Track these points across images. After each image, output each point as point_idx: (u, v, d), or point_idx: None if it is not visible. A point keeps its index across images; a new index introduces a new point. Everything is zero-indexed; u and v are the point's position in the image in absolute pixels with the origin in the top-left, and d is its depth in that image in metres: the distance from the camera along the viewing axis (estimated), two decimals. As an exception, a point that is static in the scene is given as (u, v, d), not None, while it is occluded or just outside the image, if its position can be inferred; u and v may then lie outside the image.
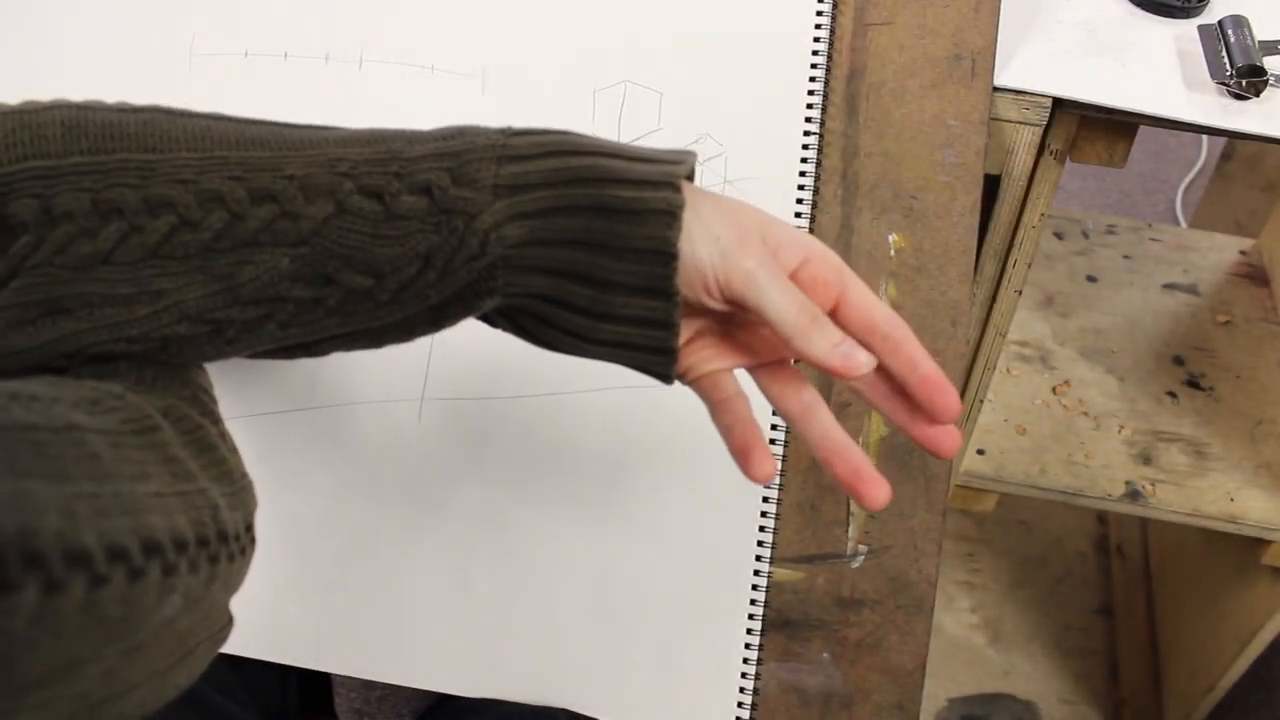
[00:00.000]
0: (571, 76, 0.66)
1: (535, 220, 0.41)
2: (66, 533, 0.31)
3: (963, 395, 0.91)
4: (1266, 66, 0.71)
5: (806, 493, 0.63)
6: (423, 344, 0.65)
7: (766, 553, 0.63)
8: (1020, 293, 0.83)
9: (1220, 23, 0.75)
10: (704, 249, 0.42)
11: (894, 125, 0.65)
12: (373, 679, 0.65)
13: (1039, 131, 0.72)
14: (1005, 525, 1.49)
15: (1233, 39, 0.73)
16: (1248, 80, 0.71)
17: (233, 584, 0.43)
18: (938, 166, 0.64)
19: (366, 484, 0.65)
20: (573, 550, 0.64)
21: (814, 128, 0.65)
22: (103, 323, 0.40)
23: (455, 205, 0.41)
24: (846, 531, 0.63)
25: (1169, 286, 1.20)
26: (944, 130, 0.65)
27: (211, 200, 0.40)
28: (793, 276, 0.43)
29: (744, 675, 0.63)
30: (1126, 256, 1.23)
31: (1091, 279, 1.20)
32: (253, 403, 0.65)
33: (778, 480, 0.63)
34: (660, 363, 0.44)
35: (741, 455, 0.45)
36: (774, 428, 0.63)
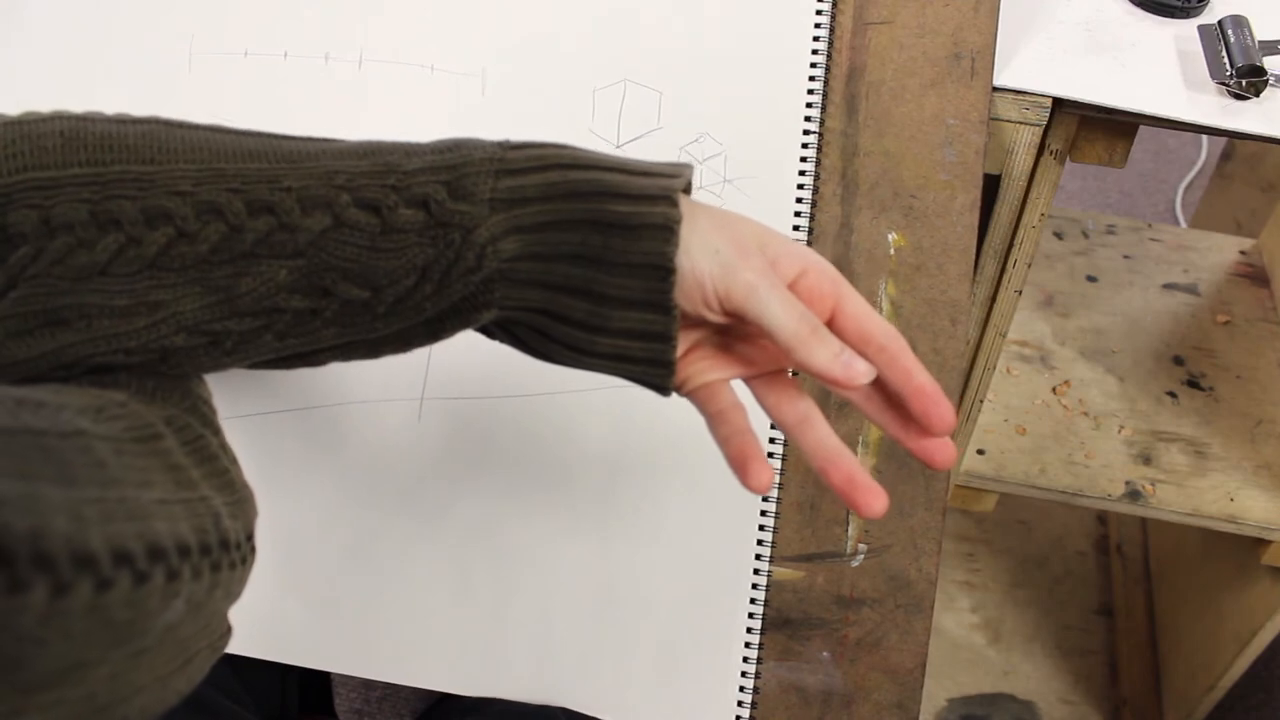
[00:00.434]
0: (571, 76, 0.66)
1: (532, 235, 0.42)
2: (74, 536, 0.31)
3: (963, 395, 0.91)
4: (1266, 66, 0.71)
5: (806, 492, 0.63)
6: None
7: (766, 552, 0.63)
8: (1020, 293, 0.83)
9: (1220, 23, 0.75)
10: (703, 262, 0.42)
11: (893, 124, 0.65)
12: (373, 679, 0.65)
13: (1039, 131, 0.72)
14: (1005, 525, 1.49)
15: (1233, 39, 0.73)
16: (1248, 80, 0.71)
17: (234, 592, 0.43)
18: (937, 165, 0.64)
19: (366, 484, 0.65)
20: (572, 549, 0.64)
21: (813, 126, 0.65)
22: (100, 334, 0.40)
23: (452, 219, 0.41)
24: (846, 530, 0.63)
25: (1169, 286, 1.20)
26: (943, 129, 0.65)
27: (209, 212, 0.40)
28: (790, 287, 0.43)
29: (744, 674, 0.63)
30: (1126, 256, 1.23)
31: (1091, 279, 1.20)
32: (253, 403, 0.65)
33: (777, 480, 0.63)
34: (658, 375, 0.44)
35: (739, 466, 0.45)
36: (773, 426, 0.63)
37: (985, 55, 0.65)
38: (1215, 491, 1.01)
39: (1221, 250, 1.24)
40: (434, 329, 0.43)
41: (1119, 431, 1.05)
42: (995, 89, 0.70)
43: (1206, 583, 1.23)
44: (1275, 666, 1.35)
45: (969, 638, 1.39)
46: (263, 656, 0.65)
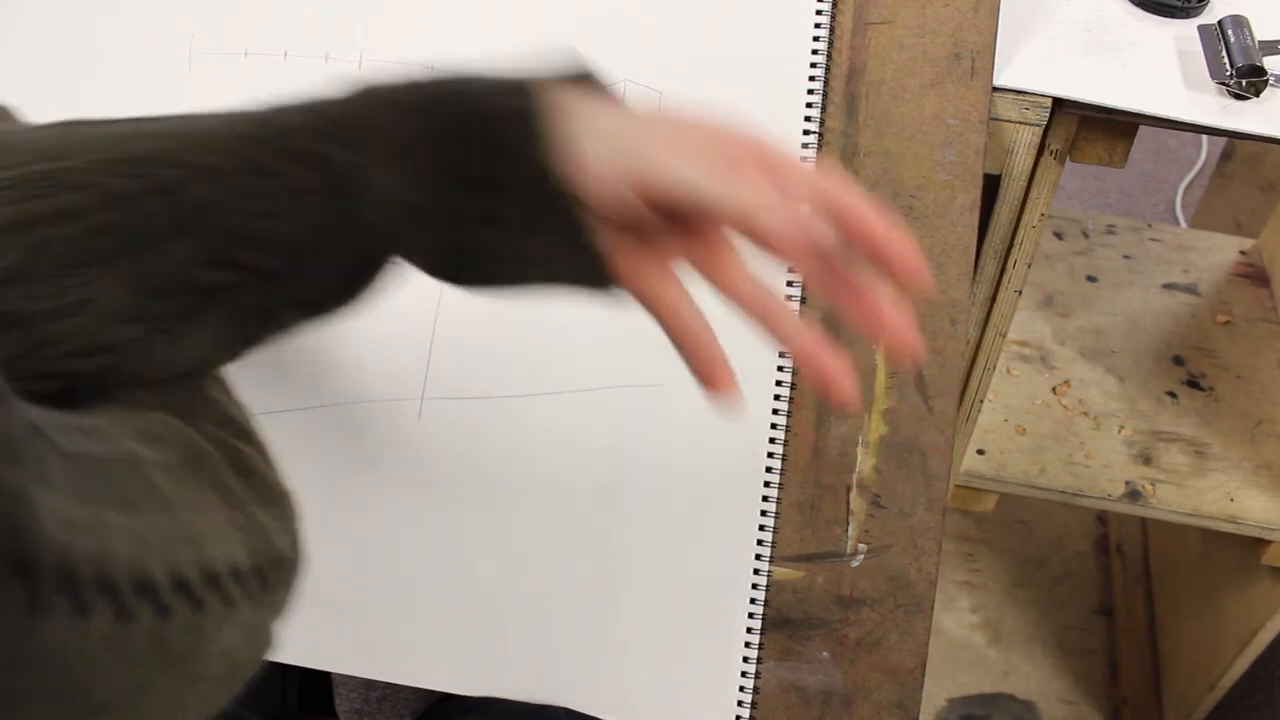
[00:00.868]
0: (571, 76, 0.66)
1: (424, 177, 0.41)
2: (136, 561, 0.31)
3: (963, 395, 0.91)
4: (1266, 66, 0.71)
5: (806, 491, 0.63)
6: (423, 343, 0.65)
7: (766, 552, 0.63)
8: (1020, 293, 0.83)
9: (1220, 23, 0.75)
10: (601, 150, 0.40)
11: (893, 124, 0.65)
12: (373, 679, 0.65)
13: (1039, 131, 0.72)
14: (1005, 525, 1.49)
15: (1233, 39, 0.73)
16: (1248, 80, 0.71)
17: (285, 608, 0.43)
18: (937, 166, 0.64)
19: (366, 483, 0.65)
20: (572, 549, 0.64)
21: (813, 126, 0.65)
22: (40, 339, 0.39)
23: (346, 172, 0.40)
24: (846, 530, 0.63)
25: (1169, 286, 1.20)
26: (943, 129, 0.65)
27: (116, 202, 0.40)
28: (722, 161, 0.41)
29: (744, 674, 0.63)
30: (1126, 256, 1.23)
31: (1091, 279, 1.20)
32: (252, 402, 0.65)
33: (777, 479, 0.63)
34: (588, 267, 0.42)
35: (701, 372, 0.43)
36: (773, 426, 0.63)
37: (985, 55, 0.65)
38: (1215, 491, 1.01)
39: (1221, 250, 1.24)
40: (350, 283, 0.43)
41: (1119, 431, 1.05)
42: (995, 89, 0.70)
43: (1206, 583, 1.23)
44: (1275, 666, 1.35)
45: (969, 638, 1.39)
46: (263, 656, 0.65)
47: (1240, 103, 0.72)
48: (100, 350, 0.41)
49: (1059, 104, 0.72)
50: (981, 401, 0.92)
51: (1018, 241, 0.79)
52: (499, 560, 0.64)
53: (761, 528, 0.63)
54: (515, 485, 0.64)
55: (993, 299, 0.83)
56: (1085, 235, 1.25)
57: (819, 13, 0.65)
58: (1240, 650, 1.13)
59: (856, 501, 0.63)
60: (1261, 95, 0.72)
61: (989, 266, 0.81)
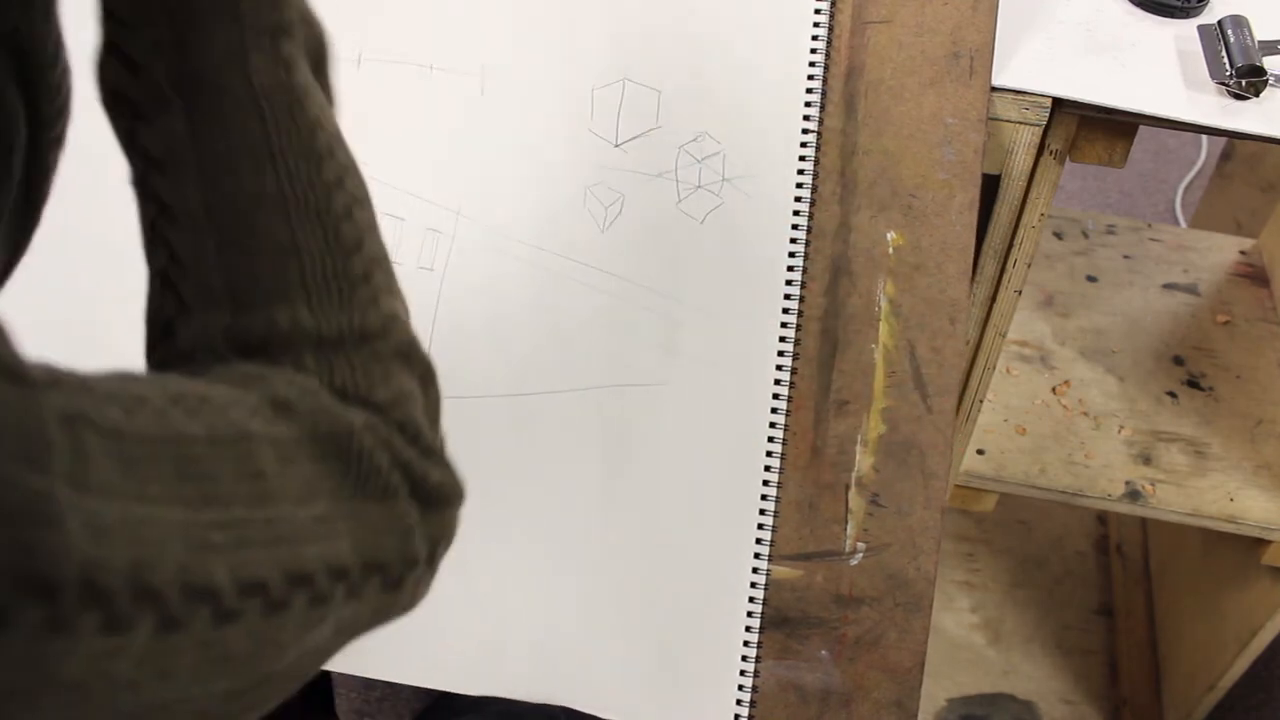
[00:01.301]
0: (570, 74, 0.66)
1: None
2: (191, 565, 0.29)
3: (962, 395, 0.91)
4: (1266, 66, 0.71)
5: (805, 490, 0.63)
6: (422, 342, 0.65)
7: (765, 551, 0.63)
8: (1020, 293, 0.83)
9: (1220, 23, 0.75)
10: None
11: (892, 123, 0.65)
12: (373, 679, 0.65)
13: (1039, 131, 0.72)
14: (1005, 525, 1.49)
15: (1232, 39, 0.73)
16: (1247, 80, 0.71)
17: (403, 610, 0.40)
18: (936, 164, 0.64)
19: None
20: (571, 549, 0.64)
21: (812, 125, 0.65)
22: None
23: None
24: (845, 529, 0.63)
25: (1169, 286, 1.20)
26: (942, 128, 0.65)
27: None
28: None
29: (743, 673, 0.63)
30: (1126, 256, 1.23)
31: (1091, 279, 1.20)
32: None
33: (776, 478, 0.63)
34: None
35: None
36: (772, 425, 0.63)
37: (984, 54, 0.65)
38: (1215, 491, 1.01)
39: (1221, 250, 1.24)
40: None
41: (1119, 431, 1.05)
42: (995, 89, 0.70)
43: (1206, 583, 1.23)
44: (1275, 666, 1.35)
45: (969, 638, 1.39)
46: (262, 655, 0.64)
47: (1240, 103, 0.72)
48: None
49: (1059, 104, 0.72)
50: (981, 401, 0.92)
51: (1017, 241, 0.79)
52: (498, 560, 0.64)
53: (760, 526, 0.63)
54: (513, 484, 0.64)
55: (992, 299, 0.83)
56: (1085, 235, 1.25)
57: (818, 11, 0.66)
58: (1240, 650, 1.13)
59: (855, 500, 0.63)
60: (1261, 95, 0.72)
61: (989, 266, 0.81)
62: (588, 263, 0.65)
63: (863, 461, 0.63)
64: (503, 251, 0.66)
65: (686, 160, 0.65)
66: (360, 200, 0.41)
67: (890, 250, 0.64)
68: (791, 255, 0.64)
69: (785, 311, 0.63)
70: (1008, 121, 0.72)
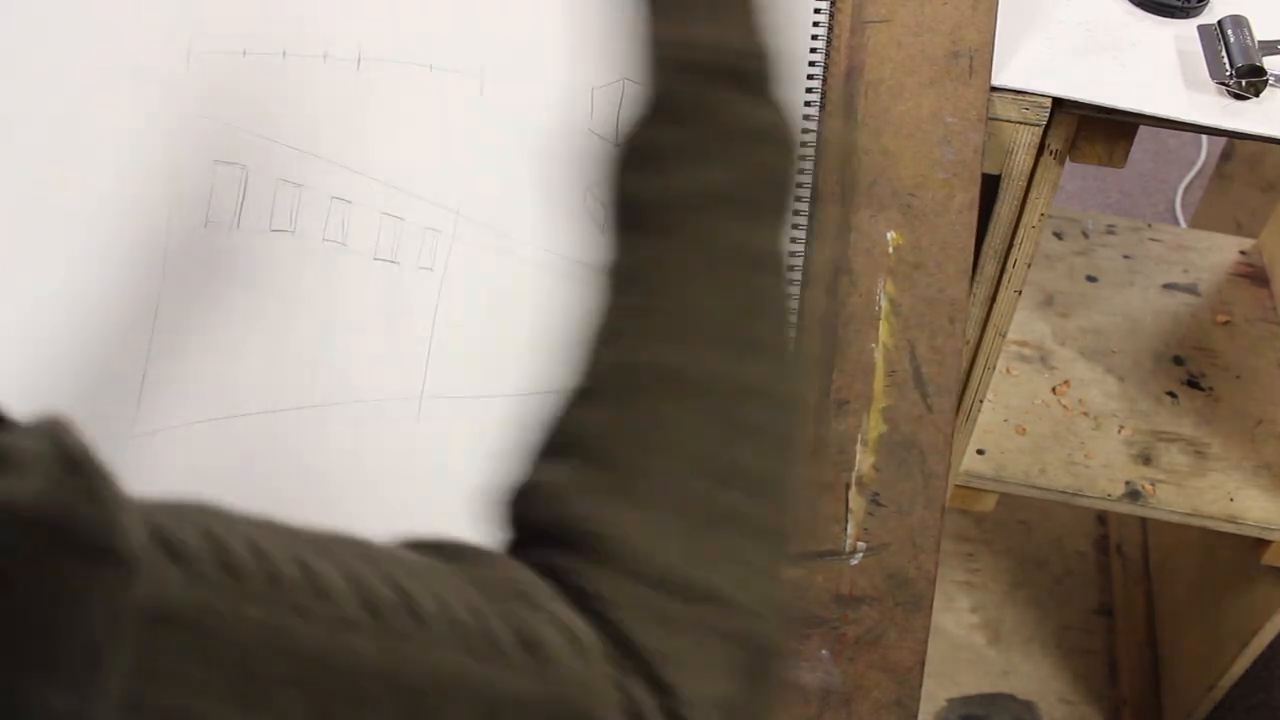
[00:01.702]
0: (570, 74, 0.66)
1: None
2: None
3: (962, 395, 0.91)
4: (1266, 66, 0.71)
5: (805, 490, 0.63)
6: (422, 342, 0.65)
7: (765, 551, 0.63)
8: (1020, 293, 0.83)
9: (1220, 23, 0.75)
10: None
11: (892, 123, 0.65)
12: None
13: (1038, 131, 0.72)
14: (1005, 525, 1.49)
15: (1232, 39, 0.73)
16: (1247, 80, 0.71)
17: None
18: (935, 164, 0.64)
19: (366, 483, 0.65)
20: (571, 548, 0.64)
21: (812, 125, 0.65)
22: None
23: None
24: (845, 529, 0.63)
25: (1169, 286, 1.20)
26: (942, 128, 0.65)
27: None
28: None
29: (742, 673, 0.63)
30: (1126, 256, 1.23)
31: (1091, 279, 1.20)
32: (253, 402, 0.65)
33: (776, 478, 0.63)
34: None
35: None
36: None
37: (983, 53, 0.65)
38: (1215, 491, 1.01)
39: (1221, 250, 1.24)
40: None
41: (1119, 431, 1.05)
42: (995, 89, 0.70)
43: (1206, 583, 1.23)
44: (1275, 666, 1.35)
45: (969, 638, 1.39)
46: (262, 655, 0.64)
47: (1240, 103, 0.72)
48: None
49: (1058, 104, 0.72)
50: (981, 401, 0.92)
51: (1017, 241, 0.79)
52: (498, 559, 0.64)
53: (760, 526, 0.63)
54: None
55: (992, 299, 0.83)
56: (1085, 235, 1.25)
57: (817, 11, 0.65)
58: (1240, 650, 1.13)
59: (855, 500, 0.63)
60: (1261, 95, 0.72)
61: (989, 266, 0.81)
62: (588, 263, 0.65)
63: (863, 461, 0.63)
64: (502, 251, 0.66)
65: None
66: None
67: (890, 250, 0.64)
68: (791, 255, 0.64)
69: (785, 311, 0.63)
70: (1007, 121, 0.72)
